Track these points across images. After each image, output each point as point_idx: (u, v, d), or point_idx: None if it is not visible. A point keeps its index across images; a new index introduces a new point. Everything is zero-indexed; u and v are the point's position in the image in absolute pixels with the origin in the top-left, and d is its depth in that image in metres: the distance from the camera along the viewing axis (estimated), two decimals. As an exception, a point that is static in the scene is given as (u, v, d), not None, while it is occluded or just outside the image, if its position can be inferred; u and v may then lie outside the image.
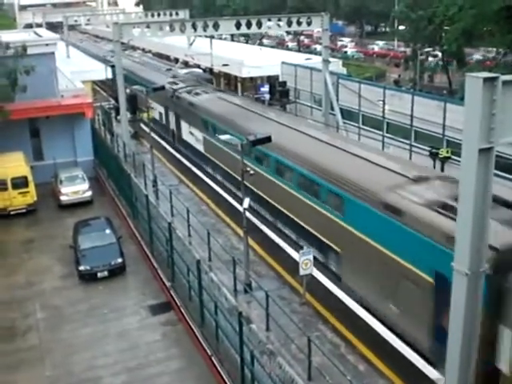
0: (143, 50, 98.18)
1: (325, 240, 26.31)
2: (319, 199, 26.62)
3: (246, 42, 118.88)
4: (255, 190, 31.48)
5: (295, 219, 29.05)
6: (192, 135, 44.39)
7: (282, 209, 30.44)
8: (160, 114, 52.84)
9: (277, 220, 31.45)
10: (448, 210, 19.63)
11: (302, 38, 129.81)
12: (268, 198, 31.84)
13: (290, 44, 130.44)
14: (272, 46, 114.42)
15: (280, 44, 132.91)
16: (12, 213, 35.90)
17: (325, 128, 41.93)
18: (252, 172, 26.33)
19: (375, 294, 22.95)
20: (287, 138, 31.57)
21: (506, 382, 16.83)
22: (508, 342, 16.61)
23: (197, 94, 45.93)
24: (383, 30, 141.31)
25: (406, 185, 22.80)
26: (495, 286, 16.33)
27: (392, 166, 24.90)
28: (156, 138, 48.98)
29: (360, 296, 24.05)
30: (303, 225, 28.21)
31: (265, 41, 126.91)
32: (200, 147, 42.81)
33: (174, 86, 49.58)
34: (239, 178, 26.19)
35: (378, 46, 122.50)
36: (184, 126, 46.64)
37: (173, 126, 49.71)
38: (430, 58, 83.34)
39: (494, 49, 66.50)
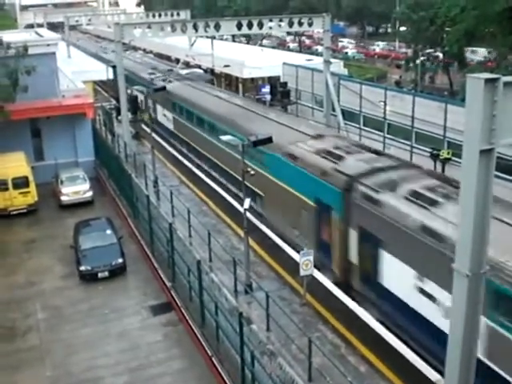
0: (144, 50, 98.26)
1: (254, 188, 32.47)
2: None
3: (247, 43, 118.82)
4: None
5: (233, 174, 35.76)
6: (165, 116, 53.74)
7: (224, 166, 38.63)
8: (141, 101, 56.42)
9: (218, 174, 40.17)
10: (328, 154, 27.60)
11: (303, 38, 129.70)
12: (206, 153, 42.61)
13: (292, 45, 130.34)
14: (273, 47, 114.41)
15: (281, 45, 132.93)
16: (13, 213, 35.90)
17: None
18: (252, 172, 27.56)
19: (285, 224, 30.13)
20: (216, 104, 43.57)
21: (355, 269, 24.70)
22: (354, 240, 24.52)
23: (170, 81, 53.24)
24: (385, 31, 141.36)
25: (305, 140, 30.66)
26: (347, 200, 24.64)
27: (298, 127, 33.69)
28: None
29: (276, 227, 31.29)
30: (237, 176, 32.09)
31: (265, 41, 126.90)
32: (170, 126, 52.53)
33: (152, 76, 58.77)
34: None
35: (378, 46, 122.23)
36: (159, 108, 55.28)
37: (151, 110, 53.42)
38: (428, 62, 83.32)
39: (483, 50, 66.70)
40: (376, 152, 28.69)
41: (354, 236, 24.58)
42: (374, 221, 23.16)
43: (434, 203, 21.17)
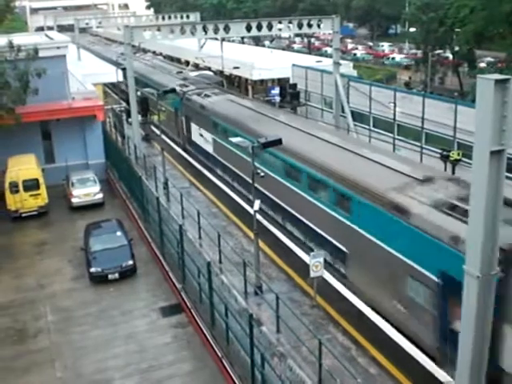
0: (154, 52, 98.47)
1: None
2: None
3: (257, 45, 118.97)
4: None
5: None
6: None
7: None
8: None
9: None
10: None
11: (312, 40, 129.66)
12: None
13: (296, 46, 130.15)
14: (283, 48, 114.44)
15: (290, 46, 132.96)
16: (23, 215, 36.02)
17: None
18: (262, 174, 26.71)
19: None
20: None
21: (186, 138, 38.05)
22: (185, 124, 47.48)
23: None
24: (394, 32, 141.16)
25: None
26: None
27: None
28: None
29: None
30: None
31: (266, 42, 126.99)
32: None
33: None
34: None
35: (383, 47, 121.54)
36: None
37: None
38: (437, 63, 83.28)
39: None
40: None
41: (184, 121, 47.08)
42: (189, 111, 44.61)
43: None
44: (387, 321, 22.80)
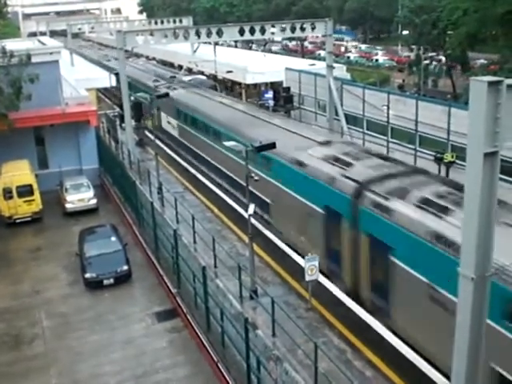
0: (147, 57, 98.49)
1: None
2: None
3: (250, 49, 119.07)
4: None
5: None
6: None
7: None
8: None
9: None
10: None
11: (305, 43, 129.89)
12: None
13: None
14: (276, 52, 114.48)
15: (283, 49, 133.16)
16: (17, 221, 35.95)
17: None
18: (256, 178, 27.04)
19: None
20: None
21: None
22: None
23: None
24: (387, 35, 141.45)
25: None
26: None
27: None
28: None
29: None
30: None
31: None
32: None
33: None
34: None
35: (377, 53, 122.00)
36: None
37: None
38: (433, 63, 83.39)
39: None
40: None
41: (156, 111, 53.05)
42: (159, 102, 45.72)
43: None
44: (296, 252, 29.08)
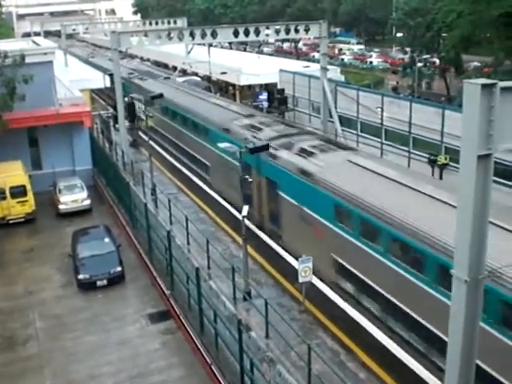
0: (141, 58, 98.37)
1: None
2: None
3: (244, 50, 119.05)
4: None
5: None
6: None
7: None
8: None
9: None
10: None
11: (299, 45, 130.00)
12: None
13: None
14: (271, 54, 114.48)
15: (277, 51, 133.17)
16: (11, 222, 35.86)
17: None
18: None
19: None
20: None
21: None
22: None
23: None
24: (381, 37, 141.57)
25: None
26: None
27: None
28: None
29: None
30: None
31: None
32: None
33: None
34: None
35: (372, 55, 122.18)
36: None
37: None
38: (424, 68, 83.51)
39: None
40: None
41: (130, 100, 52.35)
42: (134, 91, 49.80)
43: None
44: (230, 204, 35.93)
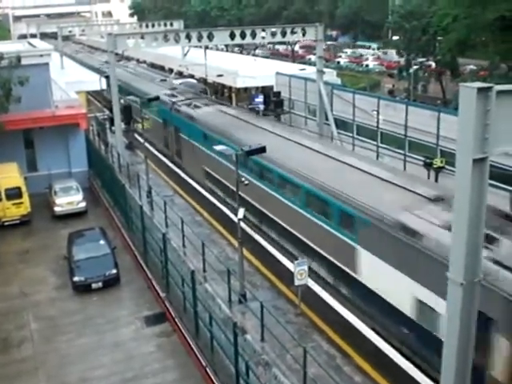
0: (138, 60, 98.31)
1: None
2: None
3: (241, 52, 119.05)
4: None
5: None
6: None
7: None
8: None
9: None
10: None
11: (296, 48, 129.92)
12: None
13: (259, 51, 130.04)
14: (266, 57, 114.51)
15: (273, 54, 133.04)
16: (6, 224, 35.77)
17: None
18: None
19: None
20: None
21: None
22: None
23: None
24: (378, 40, 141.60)
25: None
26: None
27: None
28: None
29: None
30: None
31: (258, 51, 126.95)
32: None
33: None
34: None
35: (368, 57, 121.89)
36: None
37: None
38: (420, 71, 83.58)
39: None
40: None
41: None
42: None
43: None
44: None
